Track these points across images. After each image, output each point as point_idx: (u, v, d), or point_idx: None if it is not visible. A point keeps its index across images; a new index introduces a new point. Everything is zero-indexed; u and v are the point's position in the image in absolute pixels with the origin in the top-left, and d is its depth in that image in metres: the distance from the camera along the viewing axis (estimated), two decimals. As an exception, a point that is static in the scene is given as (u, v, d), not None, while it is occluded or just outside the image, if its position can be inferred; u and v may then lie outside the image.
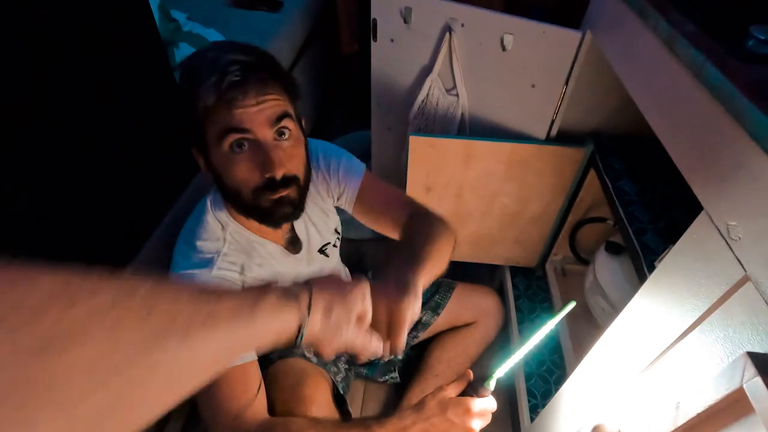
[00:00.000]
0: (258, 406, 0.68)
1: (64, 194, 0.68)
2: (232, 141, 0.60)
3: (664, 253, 0.65)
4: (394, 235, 0.80)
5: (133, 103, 0.80)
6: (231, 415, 0.66)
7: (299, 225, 0.81)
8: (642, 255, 0.70)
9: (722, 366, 0.39)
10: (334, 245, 0.89)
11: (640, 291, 0.55)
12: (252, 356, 0.70)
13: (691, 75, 0.49)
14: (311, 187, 0.74)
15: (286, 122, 0.62)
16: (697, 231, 0.46)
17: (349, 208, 0.85)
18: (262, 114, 0.60)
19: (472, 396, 0.64)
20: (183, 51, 1.18)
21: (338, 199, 0.84)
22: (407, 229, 0.75)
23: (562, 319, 1.09)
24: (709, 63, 0.46)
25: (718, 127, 0.44)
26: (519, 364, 1.06)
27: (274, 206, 0.65)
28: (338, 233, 0.90)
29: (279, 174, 0.62)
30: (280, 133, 0.63)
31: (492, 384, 0.66)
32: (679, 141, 0.52)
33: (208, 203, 0.72)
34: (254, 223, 0.72)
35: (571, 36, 0.84)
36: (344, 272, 1.05)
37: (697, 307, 0.43)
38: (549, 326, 0.69)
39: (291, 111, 0.64)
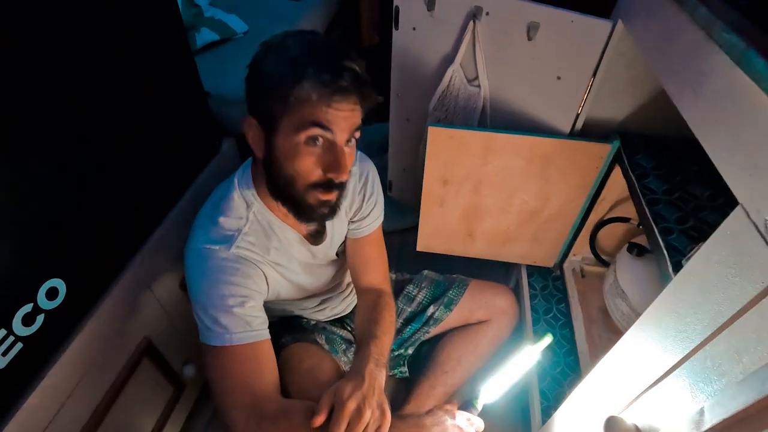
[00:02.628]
0: (274, 387, 0.69)
1: (87, 174, 0.69)
2: (311, 134, 0.62)
3: (693, 251, 0.62)
4: (354, 281, 0.92)
5: (154, 86, 0.80)
6: (247, 393, 0.66)
7: (329, 222, 0.82)
8: (668, 255, 0.67)
9: (752, 370, 0.37)
10: (344, 251, 0.91)
11: (665, 291, 0.52)
12: (266, 335, 0.70)
13: (732, 62, 0.46)
14: (352, 192, 0.82)
15: (357, 133, 0.66)
16: (731, 227, 0.43)
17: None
18: (347, 121, 0.63)
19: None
20: (204, 36, 1.18)
21: (350, 221, 0.87)
22: (363, 312, 0.87)
23: (578, 324, 1.10)
24: (751, 50, 0.43)
25: (760, 116, 0.41)
26: (530, 370, 1.04)
27: (318, 205, 0.68)
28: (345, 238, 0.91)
29: (343, 178, 0.65)
30: (349, 140, 0.65)
31: (479, 405, 0.79)
32: (715, 133, 0.49)
33: (236, 181, 0.73)
34: (278, 207, 0.73)
35: (601, 26, 0.81)
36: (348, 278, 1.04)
37: (727, 308, 0.41)
38: (530, 359, 0.82)
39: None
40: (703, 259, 0.46)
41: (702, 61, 0.52)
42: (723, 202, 0.76)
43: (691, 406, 0.45)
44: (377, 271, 0.90)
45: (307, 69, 0.59)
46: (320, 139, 0.63)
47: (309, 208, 0.68)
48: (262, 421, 0.64)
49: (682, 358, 0.47)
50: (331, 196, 0.68)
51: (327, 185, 0.66)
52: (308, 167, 0.64)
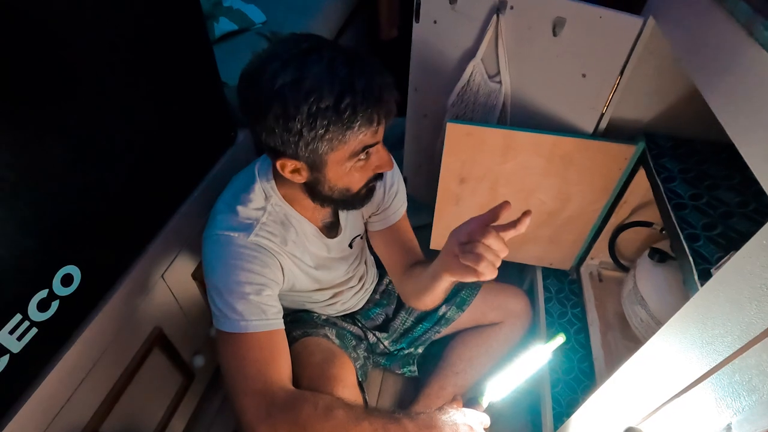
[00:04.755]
0: (286, 376, 0.69)
1: (103, 162, 0.69)
2: (363, 156, 0.63)
3: (723, 260, 0.60)
4: (389, 271, 0.91)
5: (173, 75, 0.80)
6: (259, 381, 0.66)
7: (342, 213, 0.82)
8: (693, 263, 0.65)
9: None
10: (361, 237, 0.91)
11: (692, 300, 0.50)
12: (280, 325, 0.70)
13: (775, 62, 0.43)
14: None
15: None
16: (767, 236, 0.41)
17: (369, 228, 0.90)
18: (384, 125, 0.64)
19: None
20: (222, 26, 1.17)
21: (372, 215, 0.87)
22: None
23: (594, 330, 1.07)
24: (798, 49, 0.41)
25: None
26: (543, 372, 1.02)
27: (368, 193, 0.71)
28: (365, 226, 0.91)
29: (391, 169, 0.68)
30: None
31: (485, 402, 0.77)
32: (753, 136, 0.47)
33: (256, 172, 0.73)
34: (297, 200, 0.74)
35: (632, 22, 0.78)
36: (370, 260, 1.03)
37: (760, 321, 0.39)
38: (540, 359, 0.79)
39: None
40: (735, 268, 0.44)
41: (741, 60, 0.50)
42: (754, 209, 0.73)
43: (716, 421, 0.43)
44: (416, 251, 0.89)
45: (356, 118, 0.57)
46: (369, 152, 0.64)
47: (359, 199, 0.71)
48: (272, 409, 0.64)
49: (709, 371, 0.45)
50: (377, 181, 0.71)
51: (377, 176, 0.69)
52: (362, 176, 0.67)
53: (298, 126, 0.57)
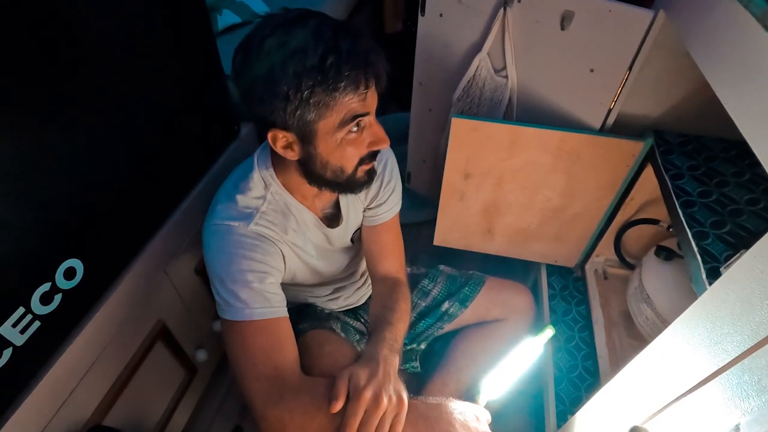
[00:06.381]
0: (295, 362, 0.68)
1: (107, 156, 0.69)
2: (354, 124, 0.62)
3: (732, 259, 0.59)
4: (369, 269, 0.90)
5: (177, 68, 0.80)
6: (269, 366, 0.65)
7: (344, 202, 0.81)
8: (701, 261, 0.64)
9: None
10: (359, 238, 0.90)
11: (700, 299, 0.49)
12: (285, 313, 0.70)
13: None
14: None
15: None
16: (781, 234, 0.40)
17: (363, 222, 0.89)
18: (376, 96, 0.63)
19: None
20: (226, 18, 1.17)
21: (365, 209, 0.86)
22: (378, 299, 0.85)
23: (598, 327, 1.06)
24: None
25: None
26: (545, 370, 1.02)
27: (367, 176, 0.70)
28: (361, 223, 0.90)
29: (386, 145, 0.67)
30: None
31: (482, 400, 0.78)
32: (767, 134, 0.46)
33: (255, 161, 0.73)
34: (296, 188, 0.73)
35: (642, 15, 0.77)
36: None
37: (772, 321, 0.38)
38: (532, 353, 0.80)
39: None
40: (745, 267, 0.43)
41: (756, 55, 0.49)
42: (764, 206, 0.72)
43: (724, 421, 0.42)
44: (393, 260, 0.88)
45: (340, 78, 0.57)
46: (361, 122, 0.63)
47: (357, 183, 0.70)
48: (284, 393, 0.63)
49: (717, 370, 0.45)
50: (374, 163, 0.70)
51: (372, 155, 0.68)
52: (356, 150, 0.66)
53: (285, 88, 0.57)
